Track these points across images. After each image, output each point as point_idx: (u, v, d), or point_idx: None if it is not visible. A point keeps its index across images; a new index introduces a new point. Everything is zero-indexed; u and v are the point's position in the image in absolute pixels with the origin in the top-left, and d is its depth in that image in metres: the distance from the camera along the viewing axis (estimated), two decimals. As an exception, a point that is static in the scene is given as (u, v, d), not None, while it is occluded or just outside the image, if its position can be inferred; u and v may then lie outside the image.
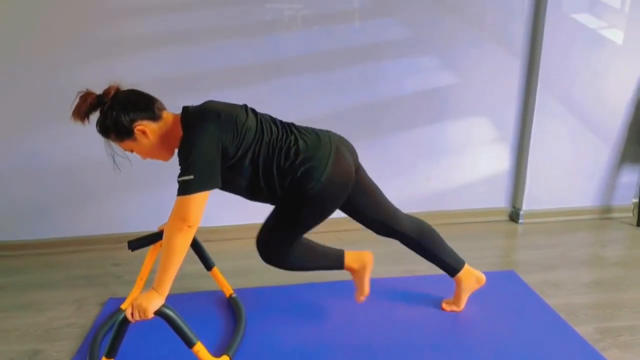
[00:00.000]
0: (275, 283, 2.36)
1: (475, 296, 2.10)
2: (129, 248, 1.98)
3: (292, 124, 1.85)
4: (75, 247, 2.78)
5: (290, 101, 2.69)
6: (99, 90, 1.67)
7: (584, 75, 2.76)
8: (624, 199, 3.02)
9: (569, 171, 2.94)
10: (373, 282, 2.25)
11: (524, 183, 2.94)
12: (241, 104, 1.80)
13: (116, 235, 2.74)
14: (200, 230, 1.75)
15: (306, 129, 1.84)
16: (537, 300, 2.19)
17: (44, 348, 1.98)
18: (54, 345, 1.99)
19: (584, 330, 1.97)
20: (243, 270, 2.49)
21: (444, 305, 2.10)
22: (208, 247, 2.14)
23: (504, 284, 2.30)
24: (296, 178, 1.73)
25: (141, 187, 2.75)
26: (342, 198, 1.83)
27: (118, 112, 1.62)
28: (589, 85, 2.78)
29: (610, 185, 2.99)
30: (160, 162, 1.80)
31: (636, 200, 3.02)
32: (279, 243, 1.87)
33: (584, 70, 2.75)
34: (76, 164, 2.69)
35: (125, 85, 1.70)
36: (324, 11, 2.61)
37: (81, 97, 1.64)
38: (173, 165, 1.66)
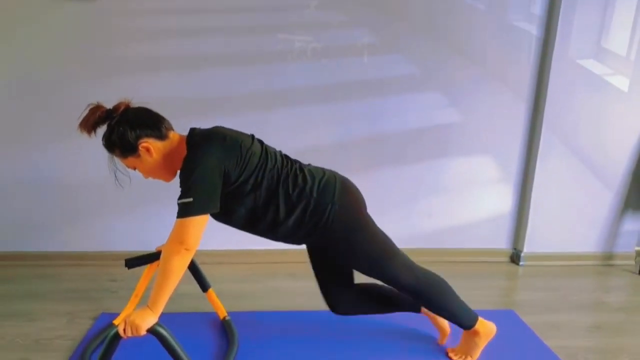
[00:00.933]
0: (270, 308, 2.34)
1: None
2: (126, 266, 1.98)
3: (297, 160, 1.87)
4: (71, 261, 2.76)
5: (295, 129, 2.73)
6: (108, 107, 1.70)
7: (588, 121, 2.79)
8: (626, 246, 2.99)
9: (572, 215, 2.93)
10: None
11: (525, 225, 2.92)
12: (249, 133, 1.81)
13: (114, 252, 2.72)
14: (197, 252, 1.70)
15: (309, 164, 1.87)
16: (537, 341, 2.15)
17: (32, 358, 1.95)
18: (43, 356, 1.96)
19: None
20: (238, 294, 2.47)
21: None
22: (204, 270, 2.13)
23: (503, 323, 2.23)
24: (310, 209, 1.72)
25: (143, 205, 2.75)
26: (363, 204, 1.84)
27: (125, 128, 1.64)
28: (592, 131, 2.80)
29: (613, 232, 2.97)
30: (162, 182, 1.80)
31: (639, 248, 3.00)
32: (394, 275, 1.83)
33: (588, 115, 2.78)
34: (78, 180, 2.70)
35: (134, 104, 1.72)
36: (334, 45, 2.68)
37: (91, 109, 1.66)
38: (175, 185, 1.67)
